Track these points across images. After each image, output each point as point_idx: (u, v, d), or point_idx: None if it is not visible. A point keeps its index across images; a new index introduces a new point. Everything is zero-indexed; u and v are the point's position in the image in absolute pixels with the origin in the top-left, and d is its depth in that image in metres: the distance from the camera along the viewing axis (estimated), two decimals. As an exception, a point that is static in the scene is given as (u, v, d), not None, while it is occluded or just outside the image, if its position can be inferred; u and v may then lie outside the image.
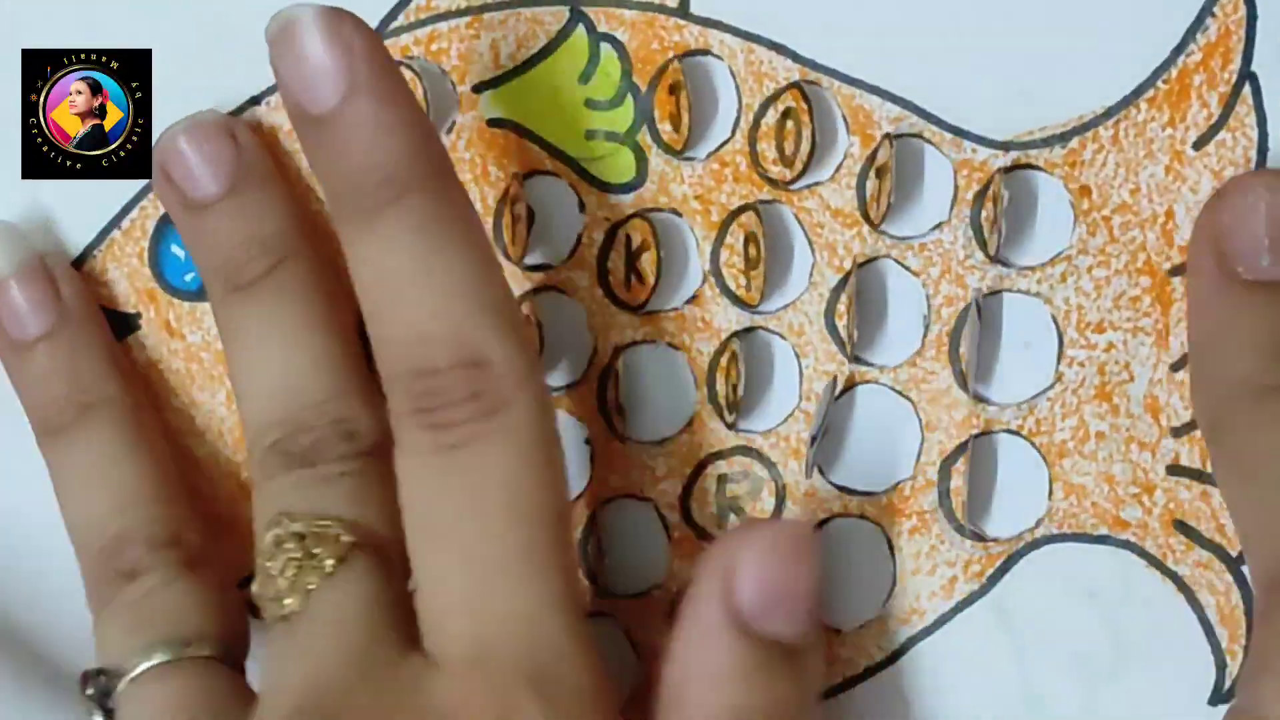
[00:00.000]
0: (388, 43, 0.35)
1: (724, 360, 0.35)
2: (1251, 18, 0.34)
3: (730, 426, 0.35)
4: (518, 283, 0.35)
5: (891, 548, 0.36)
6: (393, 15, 0.35)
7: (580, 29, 0.35)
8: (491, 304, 0.31)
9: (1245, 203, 0.32)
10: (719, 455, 0.36)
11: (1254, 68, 0.34)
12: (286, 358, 0.34)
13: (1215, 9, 0.34)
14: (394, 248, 0.31)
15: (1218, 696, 0.35)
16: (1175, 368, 0.35)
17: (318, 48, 0.31)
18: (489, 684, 0.30)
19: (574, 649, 0.31)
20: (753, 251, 0.35)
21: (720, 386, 0.35)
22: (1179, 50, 0.34)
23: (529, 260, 0.36)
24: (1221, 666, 0.35)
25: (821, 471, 0.36)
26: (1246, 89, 0.34)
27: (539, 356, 0.32)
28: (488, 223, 0.35)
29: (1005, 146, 0.35)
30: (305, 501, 0.33)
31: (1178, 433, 0.35)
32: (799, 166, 0.35)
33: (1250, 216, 0.32)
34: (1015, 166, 0.35)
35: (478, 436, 0.31)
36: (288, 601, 0.32)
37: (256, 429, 0.34)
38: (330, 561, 0.32)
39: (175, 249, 0.36)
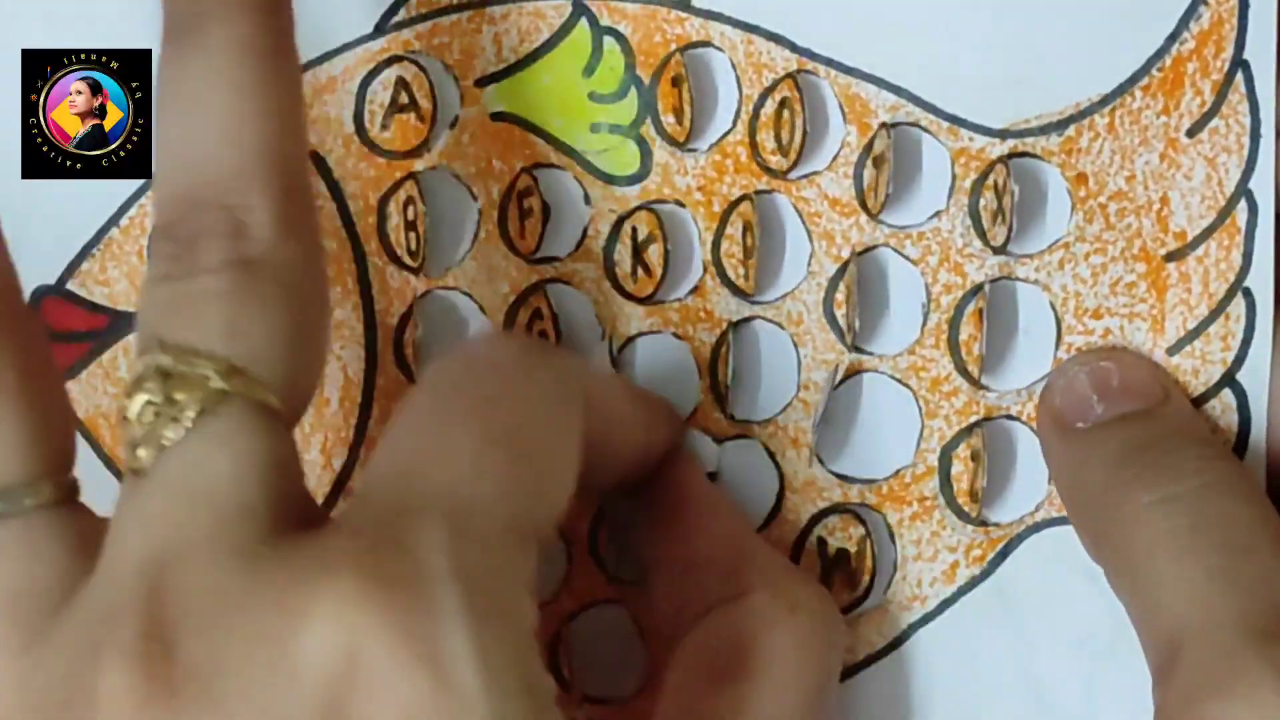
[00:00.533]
0: (389, 37, 0.35)
1: (724, 350, 0.36)
2: (1244, 6, 0.34)
3: (730, 416, 0.36)
4: (524, 276, 0.35)
5: (892, 535, 0.36)
6: (394, 10, 0.35)
7: (583, 23, 0.35)
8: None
9: (1068, 377, 0.35)
10: (722, 444, 0.36)
11: (1246, 56, 0.35)
12: (208, 117, 0.29)
13: (1208, -2, 0.35)
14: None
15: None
16: (1171, 352, 0.35)
17: None
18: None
19: None
20: (750, 240, 0.35)
21: (721, 375, 0.36)
22: (1173, 38, 0.35)
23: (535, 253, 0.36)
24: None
25: (821, 460, 0.36)
26: (1239, 77, 0.35)
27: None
28: (493, 216, 0.35)
29: (1002, 135, 0.35)
30: (178, 324, 0.27)
31: (1174, 418, 0.36)
32: (794, 156, 0.35)
33: (1076, 383, 0.35)
34: (1013, 155, 0.35)
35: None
36: (140, 453, 0.27)
37: (154, 204, 0.29)
38: (191, 412, 0.27)
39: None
